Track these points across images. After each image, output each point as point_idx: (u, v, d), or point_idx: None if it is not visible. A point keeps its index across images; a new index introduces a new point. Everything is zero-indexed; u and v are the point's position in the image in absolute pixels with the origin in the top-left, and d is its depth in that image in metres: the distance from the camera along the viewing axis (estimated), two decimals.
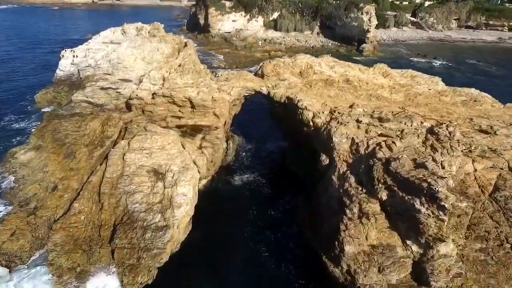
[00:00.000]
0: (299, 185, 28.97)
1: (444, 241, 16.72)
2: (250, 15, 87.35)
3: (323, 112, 28.89)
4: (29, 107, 44.96)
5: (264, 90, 32.47)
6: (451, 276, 17.00)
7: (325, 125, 27.37)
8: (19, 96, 48.36)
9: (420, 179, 18.52)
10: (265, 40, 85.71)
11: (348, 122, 26.69)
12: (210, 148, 26.13)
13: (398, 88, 30.78)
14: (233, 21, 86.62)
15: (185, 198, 20.70)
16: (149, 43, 46.55)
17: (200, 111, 30.01)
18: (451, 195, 17.12)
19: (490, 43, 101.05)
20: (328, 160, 25.49)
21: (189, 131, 28.82)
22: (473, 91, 29.38)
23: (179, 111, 30.61)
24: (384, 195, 19.50)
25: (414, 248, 17.87)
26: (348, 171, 22.76)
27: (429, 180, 17.97)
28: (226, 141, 33.44)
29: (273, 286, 20.96)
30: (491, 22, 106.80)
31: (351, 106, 28.72)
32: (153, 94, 30.95)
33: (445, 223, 16.67)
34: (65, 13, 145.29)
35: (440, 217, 16.63)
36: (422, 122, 25.43)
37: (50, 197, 23.52)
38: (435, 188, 17.30)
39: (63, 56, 49.36)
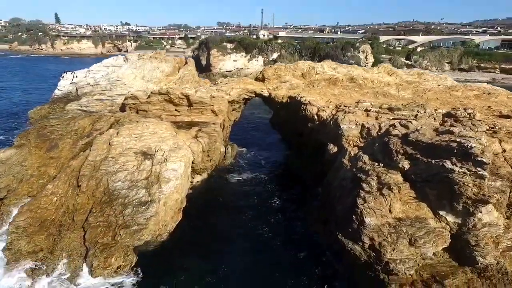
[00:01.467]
0: (301, 184, 26.09)
1: (488, 202, 13.68)
2: (250, 55, 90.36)
3: (328, 107, 27.18)
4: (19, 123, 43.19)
5: (265, 92, 31.14)
6: (501, 250, 13.63)
7: (331, 117, 25.45)
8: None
9: (447, 141, 16.02)
10: None
11: (356, 111, 24.81)
12: (206, 138, 23.80)
13: (406, 85, 29.40)
14: (234, 61, 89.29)
15: (175, 173, 17.92)
16: (150, 63, 46.59)
17: (197, 109, 28.26)
18: (488, 149, 14.50)
19: (484, 83, 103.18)
20: (336, 148, 23.03)
21: (185, 126, 26.73)
22: (485, 85, 27.96)
23: (176, 110, 28.89)
24: (406, 164, 16.79)
25: (450, 218, 14.70)
26: (361, 152, 20.23)
27: (458, 139, 15.51)
28: (225, 147, 31.18)
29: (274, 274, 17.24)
30: (482, 65, 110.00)
31: (357, 103, 27.02)
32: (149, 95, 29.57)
33: (486, 180, 13.81)
34: (74, 61, 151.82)
35: (479, 172, 13.83)
36: (436, 109, 23.57)
37: (22, 185, 20.73)
38: (467, 145, 14.75)
39: (63, 77, 49.17)
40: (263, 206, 23.30)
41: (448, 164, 14.74)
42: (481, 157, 14.09)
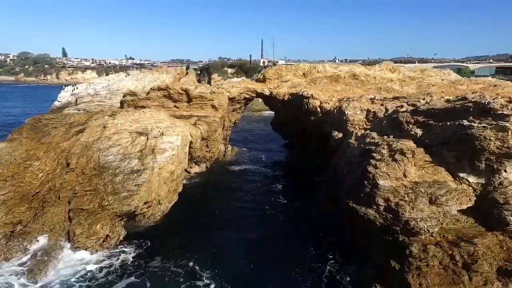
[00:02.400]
0: (304, 175, 24.75)
1: None
2: (250, 79, 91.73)
3: (331, 100, 26.56)
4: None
5: (266, 91, 30.62)
6: None
7: (335, 107, 24.70)
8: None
9: (462, 103, 15.07)
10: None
11: (361, 99, 24.09)
12: (205, 126, 22.84)
13: (409, 81, 28.93)
14: None
15: (171, 144, 16.74)
16: (151, 75, 46.81)
17: (197, 104, 27.51)
18: (509, 106, 13.48)
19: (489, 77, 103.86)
20: (341, 134, 22.01)
21: (184, 118, 25.83)
22: (490, 78, 27.48)
23: (175, 106, 28.14)
24: (418, 131, 15.68)
25: (472, 179, 13.30)
26: (368, 131, 19.17)
27: (474, 99, 14.58)
28: (225, 146, 30.13)
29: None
30: None
31: (360, 97, 26.42)
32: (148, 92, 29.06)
33: (510, 132, 12.63)
34: None
35: (500, 124, 12.70)
36: (442, 97, 22.85)
37: (7, 167, 19.45)
38: (484, 102, 13.79)
39: (63, 89, 49.26)
40: (265, 190, 21.88)
41: (466, 122, 13.67)
42: (501, 110, 13.05)
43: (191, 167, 22.65)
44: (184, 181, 21.58)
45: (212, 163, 25.12)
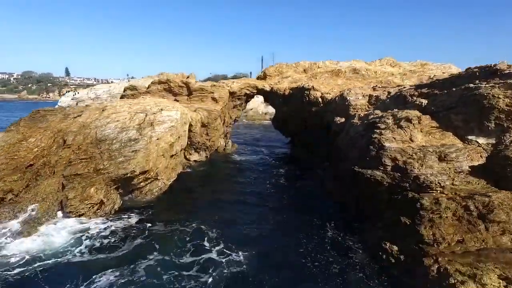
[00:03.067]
0: (307, 163, 24.29)
1: None
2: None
3: (332, 91, 26.43)
4: None
5: (267, 87, 30.60)
6: None
7: (336, 96, 24.53)
8: None
9: (467, 71, 14.85)
10: (265, 114, 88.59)
11: (363, 86, 23.96)
12: (206, 113, 22.54)
13: (410, 75, 28.89)
14: None
15: (170, 117, 16.37)
16: (152, 79, 47.11)
17: (197, 96, 27.37)
18: None
19: None
20: (343, 119, 21.68)
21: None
22: None
23: (175, 100, 27.98)
24: (423, 101, 15.36)
25: (481, 140, 12.81)
26: (371, 111, 18.86)
27: (479, 67, 14.38)
28: (225, 141, 29.72)
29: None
30: None
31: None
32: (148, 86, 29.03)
33: None
34: None
35: (508, 82, 12.38)
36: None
37: (2, 148, 19.02)
38: (491, 65, 13.58)
39: (64, 94, 49.42)
40: (267, 174, 21.34)
41: (473, 85, 13.38)
42: (509, 70, 12.81)
43: (190, 154, 22.15)
44: (184, 169, 21.07)
45: (212, 154, 24.63)
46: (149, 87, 28.40)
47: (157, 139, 15.14)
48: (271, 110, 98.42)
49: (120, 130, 15.93)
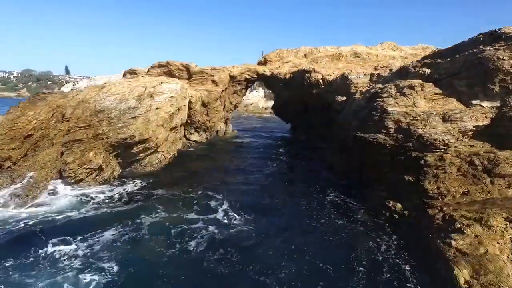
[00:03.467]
0: (306, 144, 24.16)
1: None
2: (251, 87, 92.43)
3: (333, 73, 26.25)
4: None
5: (267, 72, 30.40)
6: None
7: (337, 76, 24.36)
8: None
9: (470, 40, 14.66)
10: (265, 108, 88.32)
11: (364, 66, 23.76)
12: (205, 92, 22.37)
13: (411, 58, 28.62)
14: None
15: (170, 88, 16.21)
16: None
17: (197, 79, 27.17)
18: None
19: None
20: (344, 97, 21.53)
21: None
22: None
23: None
24: (426, 70, 15.17)
25: (486, 104, 12.58)
26: (372, 86, 18.68)
27: (483, 32, 14.18)
28: (225, 126, 29.55)
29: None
30: None
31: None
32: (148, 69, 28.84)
33: None
34: None
35: None
36: None
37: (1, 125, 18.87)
38: (495, 29, 13.39)
39: (63, 85, 49.22)
40: (267, 152, 21.26)
41: (477, 49, 13.19)
42: None
43: (191, 134, 21.98)
44: (184, 148, 20.91)
45: (212, 138, 24.49)
46: (148, 71, 28.21)
47: (157, 108, 14.98)
48: (270, 104, 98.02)
49: (119, 102, 15.76)
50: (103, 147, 13.00)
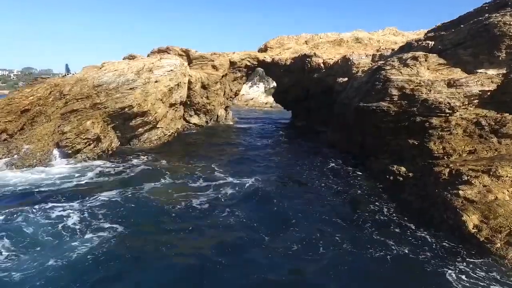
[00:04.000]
0: (307, 126, 23.97)
1: None
2: (252, 82, 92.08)
3: (334, 58, 25.96)
4: None
5: (268, 58, 30.09)
6: None
7: (339, 59, 24.08)
8: None
9: (475, 10, 14.38)
10: (266, 103, 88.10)
11: (366, 48, 23.48)
12: (205, 74, 22.11)
13: None
14: None
15: (169, 62, 15.96)
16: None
17: (197, 64, 26.83)
18: None
19: None
20: (346, 78, 21.23)
21: None
22: None
23: None
24: (430, 43, 14.90)
25: (492, 71, 12.35)
26: (375, 64, 18.40)
27: (488, 1, 13.90)
28: (226, 112, 29.31)
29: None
30: None
31: None
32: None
33: None
34: None
35: None
36: None
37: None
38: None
39: (62, 76, 48.94)
40: (268, 135, 21.15)
41: (484, 17, 12.91)
42: None
43: (190, 116, 21.75)
44: (184, 130, 20.69)
45: (212, 122, 24.25)
46: (148, 55, 27.93)
47: (156, 81, 14.75)
48: (271, 99, 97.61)
49: (118, 76, 15.52)
50: (101, 117, 12.79)
